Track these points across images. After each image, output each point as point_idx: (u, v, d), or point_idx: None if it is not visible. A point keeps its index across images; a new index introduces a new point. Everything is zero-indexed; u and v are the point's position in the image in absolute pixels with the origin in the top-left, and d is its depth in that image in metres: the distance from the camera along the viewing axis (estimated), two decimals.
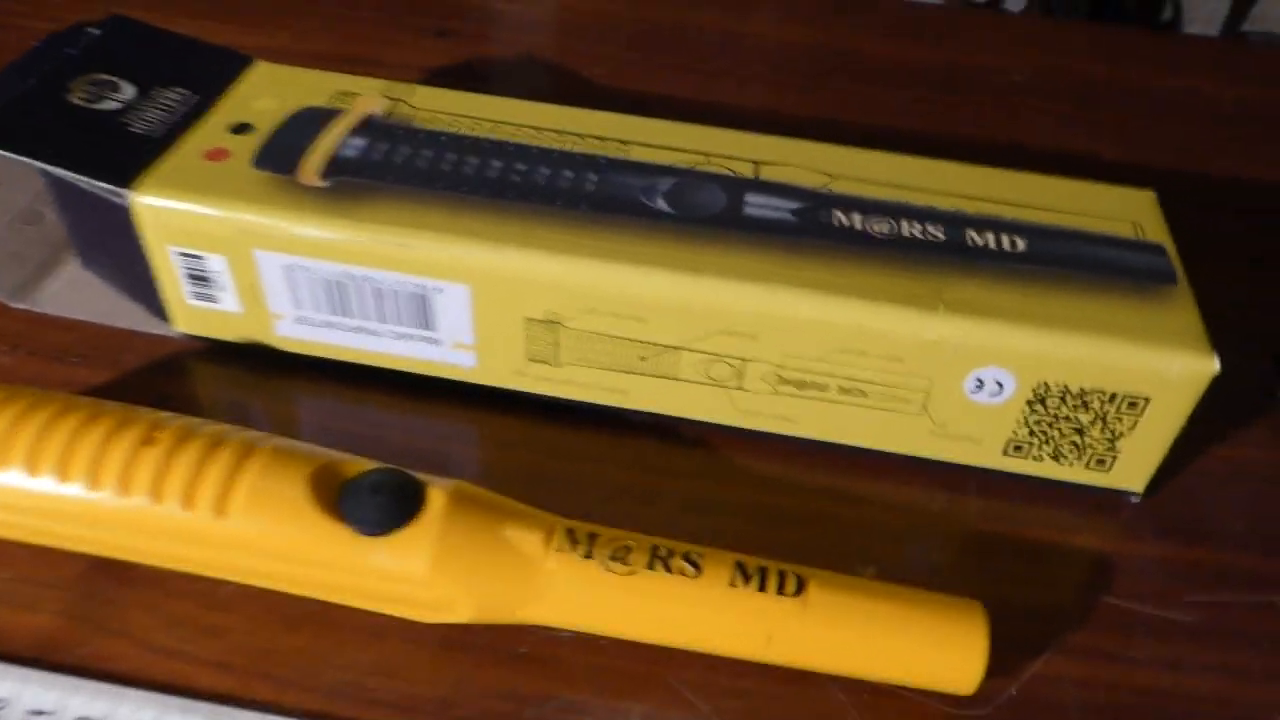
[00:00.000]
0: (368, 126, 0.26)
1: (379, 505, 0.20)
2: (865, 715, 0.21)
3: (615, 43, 0.41)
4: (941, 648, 0.20)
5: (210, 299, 0.26)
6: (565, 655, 0.22)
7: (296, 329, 0.26)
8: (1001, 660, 0.22)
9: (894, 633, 0.20)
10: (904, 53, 0.42)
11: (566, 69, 0.39)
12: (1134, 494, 0.25)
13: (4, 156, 0.25)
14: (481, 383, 0.26)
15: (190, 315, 0.26)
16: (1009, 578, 0.24)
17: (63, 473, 0.20)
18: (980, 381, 0.24)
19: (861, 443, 0.25)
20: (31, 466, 0.20)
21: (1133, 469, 0.25)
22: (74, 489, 0.20)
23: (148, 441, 0.20)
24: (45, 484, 0.20)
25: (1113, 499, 0.26)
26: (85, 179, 0.24)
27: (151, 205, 0.24)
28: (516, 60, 0.40)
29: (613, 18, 0.43)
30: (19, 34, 0.38)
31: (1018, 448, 0.25)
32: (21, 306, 0.28)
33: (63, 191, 0.26)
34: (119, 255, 0.26)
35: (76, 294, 0.28)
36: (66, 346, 0.27)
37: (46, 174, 0.26)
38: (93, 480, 0.20)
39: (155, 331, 0.27)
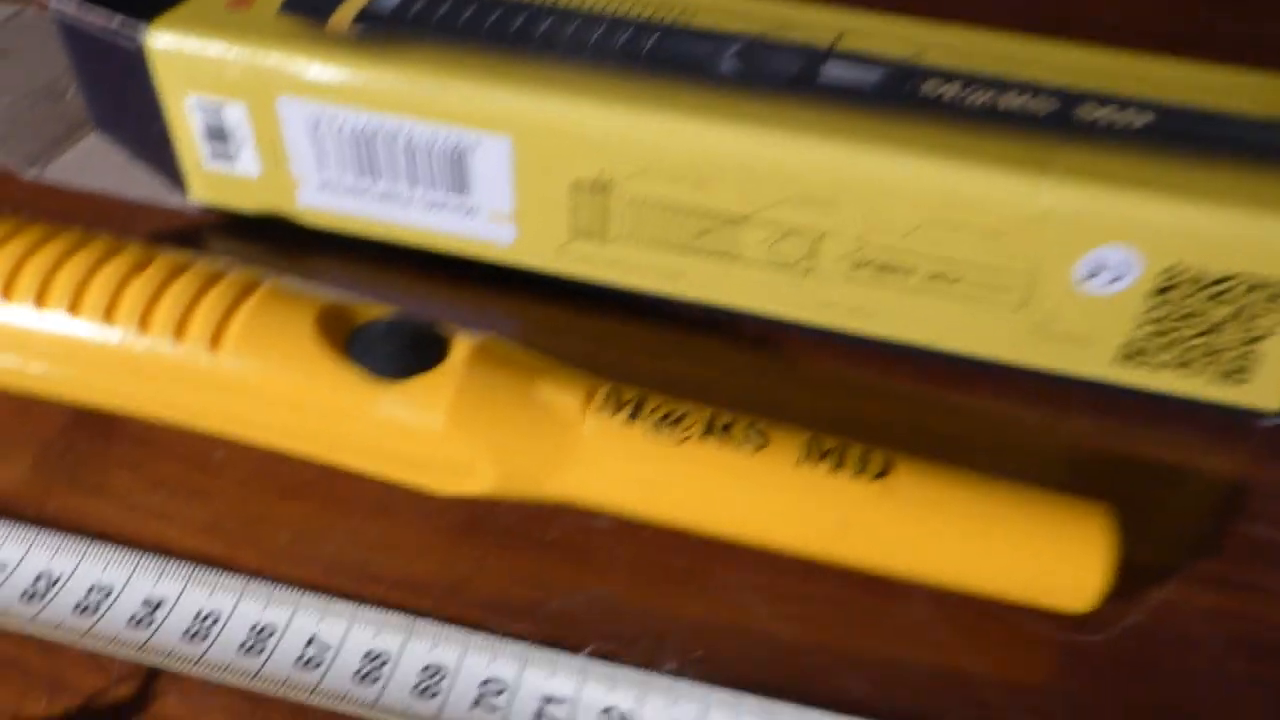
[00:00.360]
0: None
1: (394, 347, 0.17)
2: (954, 634, 0.18)
3: None
4: (1057, 550, 0.17)
5: (228, 159, 0.23)
6: (601, 545, 0.18)
7: (320, 197, 0.23)
8: (1119, 584, 0.18)
9: (997, 528, 0.17)
10: None
11: None
12: (1272, 413, 0.22)
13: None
14: (520, 263, 0.23)
15: (207, 180, 0.24)
16: (1124, 501, 0.20)
17: (41, 298, 0.18)
18: (1096, 265, 0.20)
19: (948, 345, 0.22)
20: (6, 291, 0.18)
21: (1273, 382, 0.21)
22: (53, 316, 0.18)
23: (139, 268, 0.18)
24: (21, 311, 0.18)
25: (1245, 420, 0.22)
26: (100, 18, 0.22)
27: (169, 45, 0.22)
28: None
29: None
30: None
31: (1135, 353, 0.21)
32: (32, 175, 0.26)
33: (76, 41, 0.24)
34: (134, 111, 0.24)
35: (90, 165, 0.26)
36: (72, 215, 0.25)
37: (61, 21, 0.24)
38: (74, 305, 0.18)
39: (170, 204, 0.25)
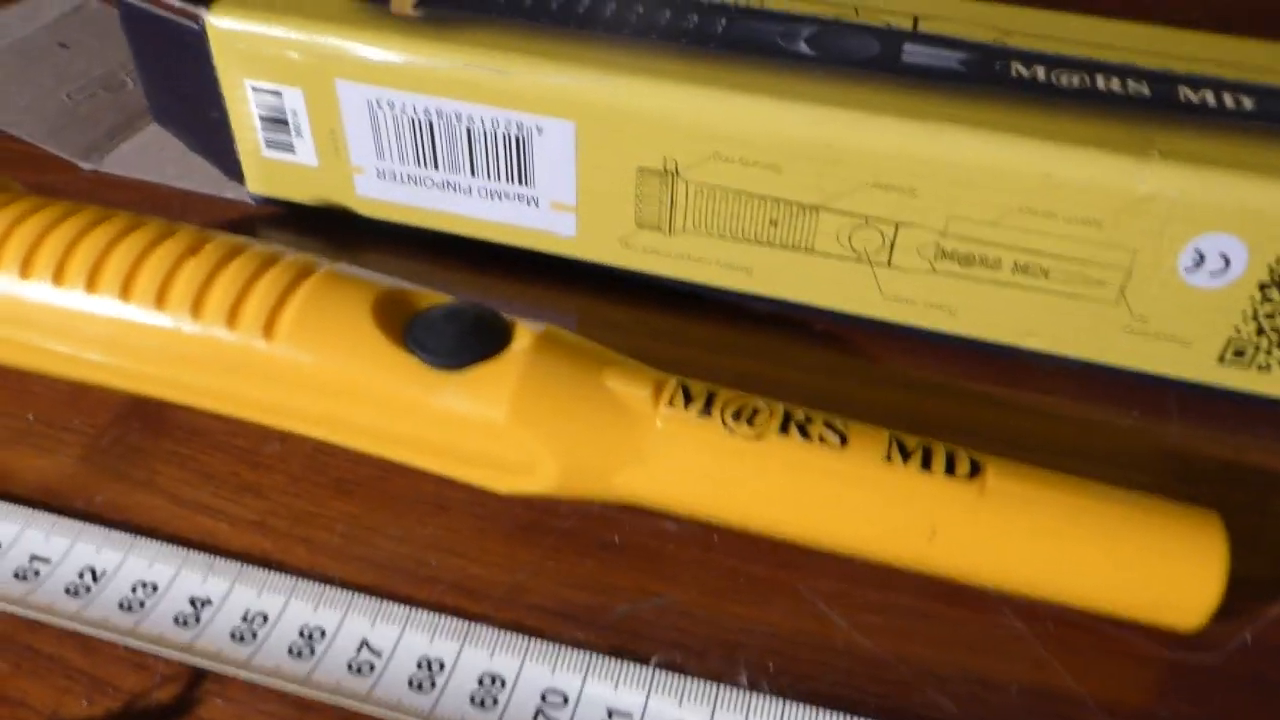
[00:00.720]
0: None
1: (453, 334, 0.16)
2: (1048, 649, 0.16)
3: None
4: (1165, 561, 0.16)
5: (286, 148, 0.23)
6: (670, 549, 0.17)
7: (378, 186, 0.23)
8: (1228, 599, 0.17)
9: (1099, 537, 0.16)
10: None
11: None
12: None
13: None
14: (582, 256, 0.22)
15: (264, 170, 0.23)
16: (1229, 512, 0.19)
17: (92, 281, 0.17)
18: (1200, 254, 0.19)
19: (1035, 344, 0.21)
20: (59, 275, 0.17)
21: None
22: (104, 300, 0.17)
23: (191, 251, 0.17)
24: (72, 295, 0.17)
25: None
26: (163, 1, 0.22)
27: (227, 26, 0.21)
28: None
29: None
30: None
31: (1238, 353, 0.20)
32: (89, 167, 0.25)
33: (134, 23, 0.24)
34: (193, 98, 0.23)
35: (147, 156, 0.26)
36: (128, 206, 0.24)
37: (124, 4, 0.23)
38: (126, 290, 0.17)
39: (226, 195, 0.25)
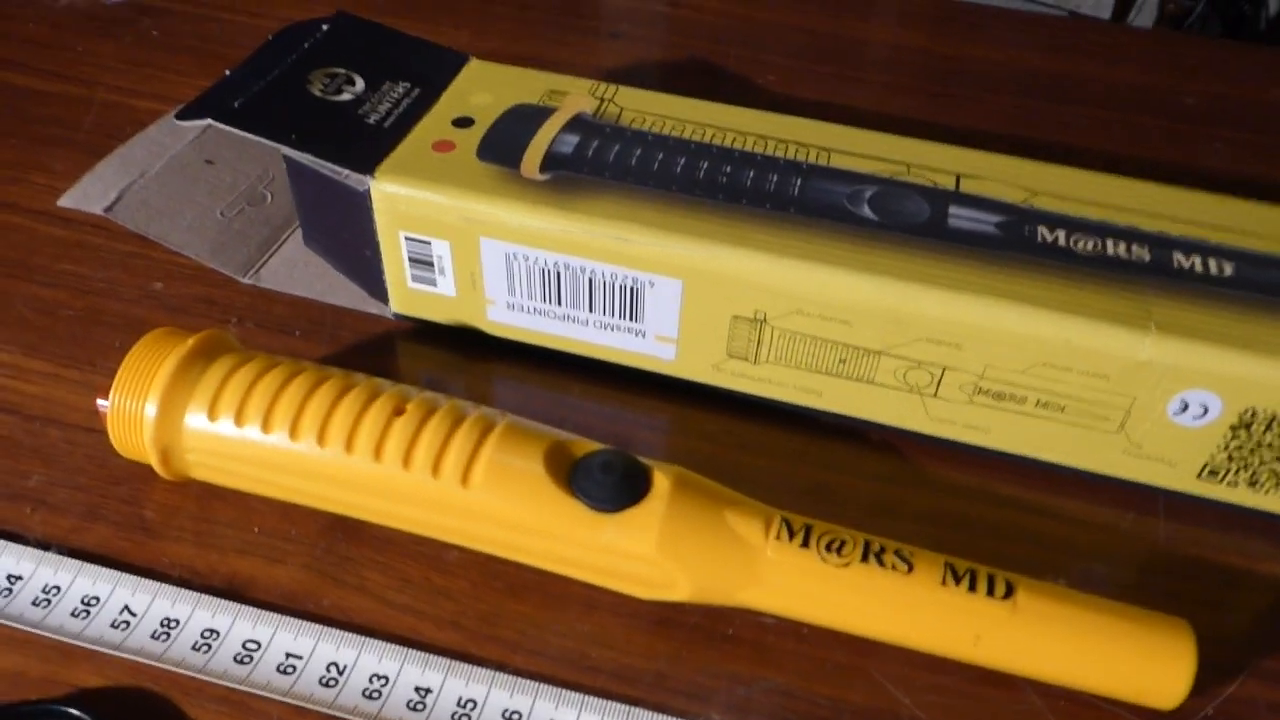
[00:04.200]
0: (579, 123, 0.27)
1: (610, 483, 0.21)
2: None
3: (778, 51, 0.42)
4: (1148, 661, 0.21)
5: (429, 282, 0.27)
6: (771, 641, 0.22)
7: (507, 315, 0.27)
8: (1195, 681, 0.22)
9: (1101, 642, 0.21)
10: (1071, 68, 0.42)
11: (735, 74, 0.40)
12: None
13: (258, 141, 0.26)
14: (679, 376, 0.27)
15: (407, 297, 0.28)
16: (1199, 600, 0.24)
17: (322, 437, 0.22)
18: (1185, 403, 0.24)
19: (1052, 458, 0.26)
20: (294, 431, 0.22)
21: None
22: (331, 452, 0.22)
23: (398, 412, 0.22)
24: (305, 446, 0.22)
25: None
26: (328, 165, 0.26)
27: (388, 191, 0.26)
28: (689, 64, 0.41)
29: (773, 25, 0.44)
30: (246, 31, 0.40)
31: (1213, 472, 0.25)
32: (248, 281, 0.30)
33: (300, 174, 0.28)
34: (346, 236, 0.28)
35: (295, 272, 0.30)
36: (288, 320, 0.29)
37: (288, 158, 0.27)
38: (349, 445, 0.22)
39: (368, 310, 0.29)
